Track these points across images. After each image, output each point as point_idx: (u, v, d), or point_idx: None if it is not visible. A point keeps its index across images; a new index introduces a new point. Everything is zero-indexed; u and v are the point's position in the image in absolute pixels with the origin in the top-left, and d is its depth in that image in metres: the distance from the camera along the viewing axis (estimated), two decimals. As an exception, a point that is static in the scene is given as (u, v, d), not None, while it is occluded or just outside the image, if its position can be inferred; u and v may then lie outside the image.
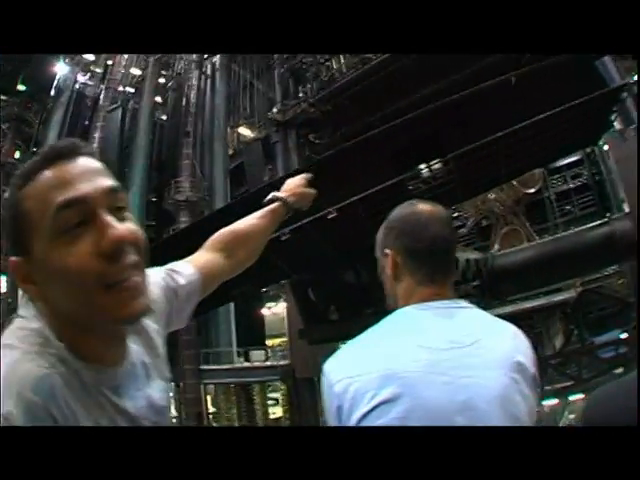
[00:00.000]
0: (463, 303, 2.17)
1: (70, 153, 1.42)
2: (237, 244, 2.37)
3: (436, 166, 14.22)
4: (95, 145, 39.77)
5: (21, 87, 36.60)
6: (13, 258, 1.41)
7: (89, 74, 42.95)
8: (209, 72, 37.62)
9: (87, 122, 42.18)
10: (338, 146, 18.17)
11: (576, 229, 18.07)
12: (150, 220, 37.86)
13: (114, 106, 39.56)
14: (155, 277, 1.84)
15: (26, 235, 1.36)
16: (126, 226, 1.40)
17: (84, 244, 1.33)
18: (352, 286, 16.41)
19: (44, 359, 1.32)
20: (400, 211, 2.30)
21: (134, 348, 1.59)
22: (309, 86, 28.49)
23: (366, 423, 1.88)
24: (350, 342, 2.11)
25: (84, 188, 1.37)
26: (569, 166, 26.28)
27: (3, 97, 37.28)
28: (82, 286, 1.33)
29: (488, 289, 18.99)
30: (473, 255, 19.66)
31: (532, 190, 26.39)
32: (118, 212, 1.41)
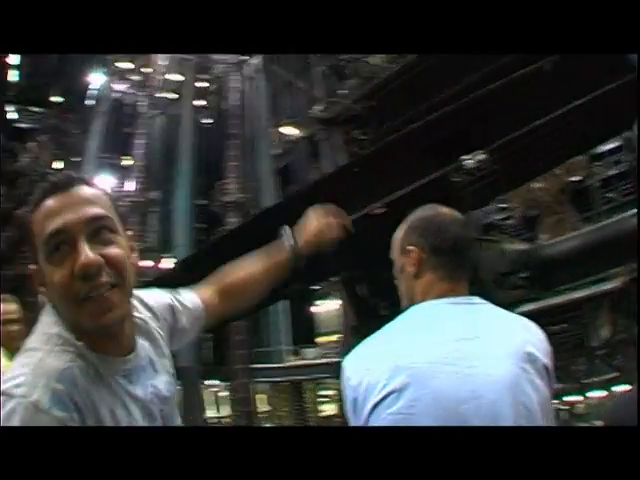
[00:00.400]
0: (477, 299, 2.35)
1: (65, 185, 1.76)
2: (236, 295, 2.67)
3: (479, 157, 14.19)
4: (139, 152, 40.22)
5: (57, 99, 36.90)
6: (31, 266, 1.77)
7: (126, 83, 43.24)
8: (249, 74, 37.74)
9: (128, 130, 42.55)
10: (383, 141, 18.16)
11: (620, 216, 17.82)
12: (200, 222, 38.17)
13: (155, 112, 39.80)
14: (162, 297, 2.25)
15: (34, 250, 1.73)
16: (102, 251, 1.71)
17: (65, 265, 1.67)
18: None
19: (65, 356, 1.65)
20: (423, 212, 2.53)
21: (142, 345, 1.93)
22: (350, 83, 28.40)
23: (377, 413, 2.03)
24: (367, 339, 2.28)
25: (68, 218, 1.69)
26: (611, 152, 25.86)
27: (37, 109, 37.62)
28: (64, 298, 1.69)
29: (537, 280, 18.88)
30: (521, 246, 19.55)
31: (576, 178, 26.10)
32: (98, 237, 1.73)
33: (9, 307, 4.82)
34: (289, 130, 34.62)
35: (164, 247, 37.83)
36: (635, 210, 16.09)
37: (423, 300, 2.34)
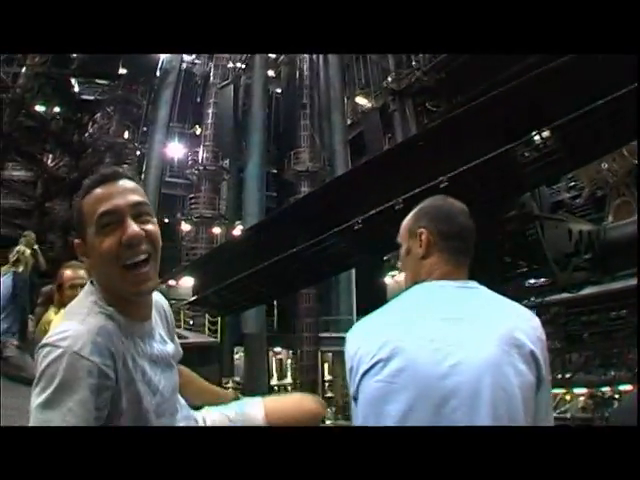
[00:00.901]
0: (473, 284, 2.46)
1: (113, 177, 2.20)
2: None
3: (544, 134, 14.06)
4: (210, 121, 40.38)
5: (122, 70, 37.14)
6: (76, 240, 2.23)
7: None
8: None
9: (198, 100, 42.80)
10: (449, 115, 18.05)
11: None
12: (271, 191, 38.39)
13: (225, 82, 39.86)
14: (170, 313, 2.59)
15: (83, 227, 2.15)
16: (144, 228, 2.16)
17: (113, 237, 2.10)
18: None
19: (100, 317, 2.07)
20: (433, 201, 2.68)
21: (156, 318, 2.39)
22: (422, 55, 28.27)
23: (366, 379, 2.23)
24: (370, 314, 2.46)
25: (117, 202, 2.14)
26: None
27: (103, 81, 37.89)
28: (109, 264, 2.11)
29: (599, 263, 18.64)
30: (586, 227, 19.28)
31: (644, 159, 25.47)
32: (140, 218, 2.18)
33: (78, 272, 5.23)
34: (361, 100, 34.56)
35: (234, 215, 38.43)
36: None
37: (427, 279, 2.50)
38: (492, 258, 16.40)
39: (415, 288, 2.49)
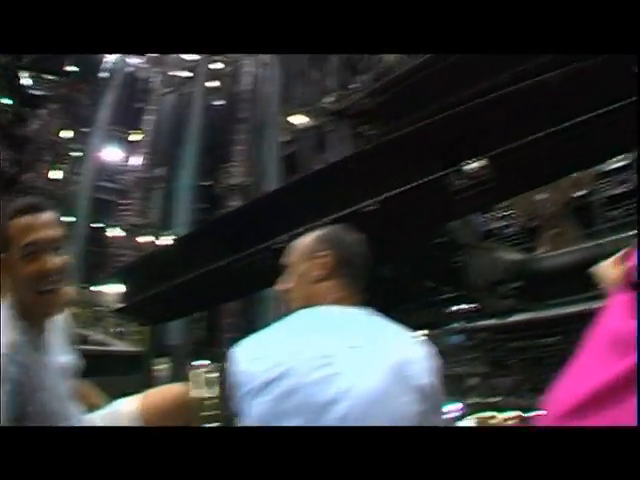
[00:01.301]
0: (368, 311, 2.53)
1: (39, 208, 2.53)
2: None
3: (480, 163, 14.16)
4: (148, 128, 40.34)
5: (72, 68, 36.98)
6: (2, 255, 2.48)
7: (141, 57, 43.38)
8: (264, 59, 37.69)
9: (139, 105, 42.71)
10: (384, 138, 18.18)
11: (619, 235, 17.80)
12: (202, 203, 38.30)
13: (168, 90, 39.92)
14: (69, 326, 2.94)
15: (7, 247, 2.46)
16: (60, 260, 2.52)
17: (34, 266, 2.45)
18: (390, 280, 16.41)
19: (15, 331, 2.42)
20: (336, 227, 2.84)
21: (57, 331, 2.74)
22: (363, 77, 28.46)
23: (253, 398, 2.19)
24: (261, 331, 2.45)
25: (42, 235, 2.47)
26: (618, 170, 25.68)
27: (51, 77, 37.70)
28: (28, 288, 2.47)
29: (529, 291, 18.90)
30: (516, 256, 19.60)
31: (580, 193, 25.98)
32: (58, 251, 2.53)
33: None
34: (298, 119, 34.65)
35: (165, 224, 37.86)
36: (635, 231, 15.99)
37: (320, 303, 2.52)
38: (416, 283, 16.57)
39: (308, 311, 2.49)
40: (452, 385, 23.38)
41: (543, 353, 22.56)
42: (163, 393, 3.25)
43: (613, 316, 1.29)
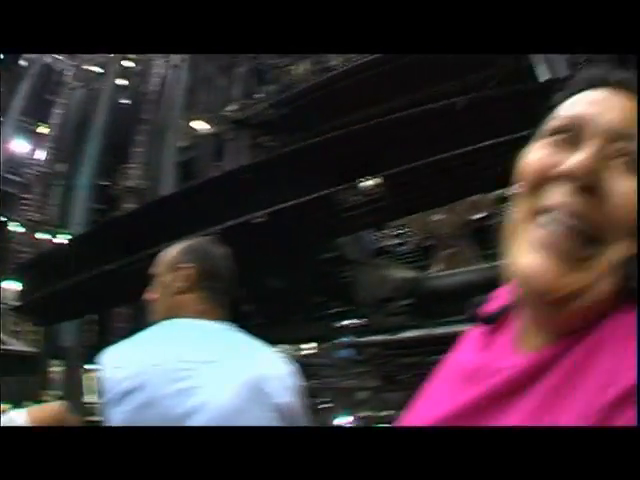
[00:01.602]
0: (228, 327, 2.49)
1: None
2: None
3: (374, 181, 14.28)
4: (55, 122, 39.65)
5: (-13, 54, 36.12)
6: None
7: (60, 49, 42.64)
8: (175, 61, 37.41)
9: (50, 98, 41.94)
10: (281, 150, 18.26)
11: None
12: (99, 203, 37.77)
13: (78, 84, 39.26)
14: None
15: None
16: None
17: None
18: (279, 292, 16.43)
19: None
20: (202, 239, 2.77)
21: None
22: (268, 88, 28.52)
23: (114, 407, 2.15)
24: (128, 339, 2.40)
25: None
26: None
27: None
28: None
29: (420, 309, 19.11)
30: (408, 274, 19.78)
31: (480, 215, 26.38)
32: None
33: None
34: (199, 124, 34.43)
35: (63, 223, 37.10)
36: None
37: (182, 315, 2.49)
38: (306, 296, 16.63)
39: (168, 323, 2.45)
40: (343, 398, 23.54)
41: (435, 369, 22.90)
42: (44, 411, 2.93)
43: (464, 349, 1.30)
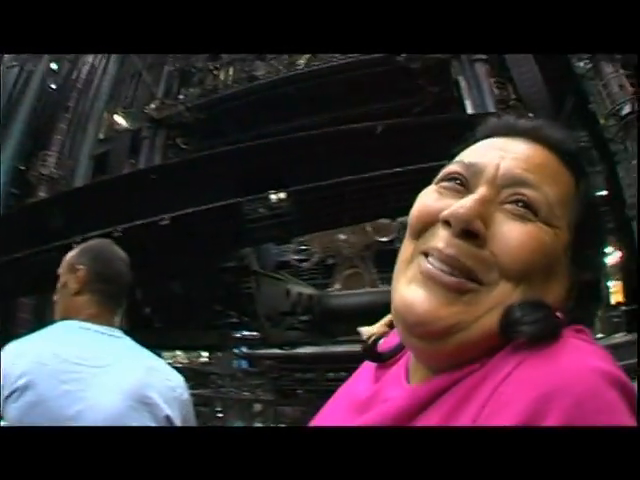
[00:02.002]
0: (118, 333, 2.50)
1: None
2: None
3: (280, 196, 14.30)
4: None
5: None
6: None
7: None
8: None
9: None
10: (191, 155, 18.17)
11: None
12: (14, 188, 37.01)
13: (13, 64, 38.45)
14: None
15: None
16: None
17: None
18: (178, 298, 16.26)
19: None
20: (98, 242, 2.80)
21: None
22: (191, 91, 28.34)
23: (8, 403, 2.18)
24: (26, 337, 2.43)
25: None
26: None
27: None
28: None
29: (317, 326, 19.14)
30: (308, 290, 19.82)
31: (384, 239, 26.58)
32: None
33: None
34: (119, 119, 34.02)
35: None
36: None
37: (74, 317, 2.50)
38: (202, 303, 16.49)
39: (61, 324, 2.47)
40: (239, 409, 23.49)
41: (330, 387, 22.92)
42: None
43: (357, 380, 1.33)
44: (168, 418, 2.23)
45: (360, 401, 1.21)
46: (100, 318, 2.50)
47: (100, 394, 2.17)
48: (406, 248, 1.15)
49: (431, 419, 1.00)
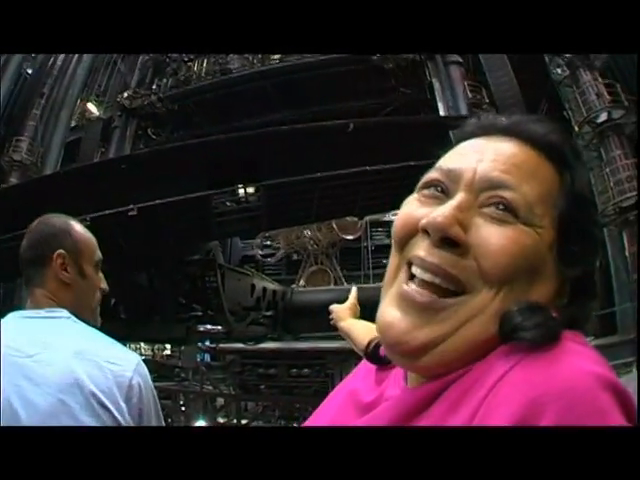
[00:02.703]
0: (57, 313, 2.26)
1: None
2: None
3: (248, 190, 14.26)
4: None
5: None
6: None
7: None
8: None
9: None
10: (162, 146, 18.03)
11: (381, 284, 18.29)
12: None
13: (-5, 48, 38.05)
14: None
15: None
16: None
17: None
18: (144, 289, 16.11)
19: None
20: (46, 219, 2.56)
21: None
22: (164, 81, 28.28)
23: None
24: None
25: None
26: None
27: None
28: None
29: (280, 321, 19.12)
30: (273, 286, 19.79)
31: (350, 237, 26.69)
32: None
33: None
34: (92, 107, 33.77)
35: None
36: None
37: (28, 305, 2.36)
38: (167, 296, 16.35)
39: (17, 312, 2.34)
40: (202, 403, 23.31)
41: (293, 383, 22.83)
42: None
43: (356, 378, 1.34)
44: (104, 404, 2.01)
45: (366, 403, 1.22)
46: (32, 302, 2.35)
47: (31, 388, 2.02)
48: (392, 260, 1.14)
49: (427, 421, 1.02)
